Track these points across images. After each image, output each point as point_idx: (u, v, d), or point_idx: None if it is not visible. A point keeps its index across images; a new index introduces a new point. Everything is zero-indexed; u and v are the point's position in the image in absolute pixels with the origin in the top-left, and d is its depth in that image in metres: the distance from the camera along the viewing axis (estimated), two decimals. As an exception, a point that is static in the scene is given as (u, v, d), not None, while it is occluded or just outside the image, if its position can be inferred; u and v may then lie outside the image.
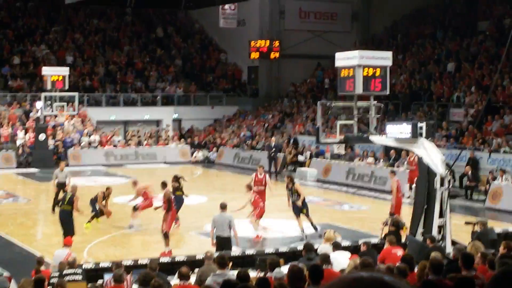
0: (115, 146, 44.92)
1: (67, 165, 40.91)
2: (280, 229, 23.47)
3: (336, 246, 15.64)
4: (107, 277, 13.68)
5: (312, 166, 37.14)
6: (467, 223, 19.63)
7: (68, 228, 19.84)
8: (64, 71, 40.52)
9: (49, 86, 39.53)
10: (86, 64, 51.98)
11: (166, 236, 19.64)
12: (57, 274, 14.07)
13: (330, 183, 34.68)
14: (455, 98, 39.39)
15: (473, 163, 31.51)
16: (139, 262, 16.39)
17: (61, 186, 25.58)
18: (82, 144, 43.81)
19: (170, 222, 19.96)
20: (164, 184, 21.33)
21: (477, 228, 18.09)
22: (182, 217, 22.72)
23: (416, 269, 11.78)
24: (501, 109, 36.05)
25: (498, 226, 22.00)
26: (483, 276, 10.83)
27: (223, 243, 18.16)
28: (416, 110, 40.09)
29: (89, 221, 22.80)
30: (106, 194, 23.36)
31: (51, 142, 42.59)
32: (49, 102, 39.80)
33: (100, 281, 14.31)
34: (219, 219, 18.36)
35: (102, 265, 16.29)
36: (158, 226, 20.29)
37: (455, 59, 43.64)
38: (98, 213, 22.97)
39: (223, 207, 18.66)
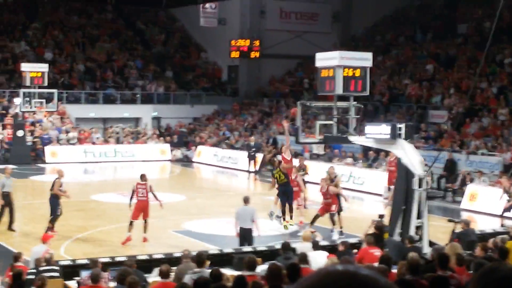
0: (93, 143, 44.72)
1: (44, 162, 40.89)
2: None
3: (315, 246, 15.66)
4: (84, 274, 13.62)
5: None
6: (450, 220, 19.70)
7: (52, 210, 21.46)
8: (43, 67, 40.25)
9: (28, 83, 39.26)
10: (66, 61, 51.73)
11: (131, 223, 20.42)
12: (34, 270, 14.00)
13: (309, 183, 34.62)
14: (435, 101, 39.52)
15: (451, 164, 31.67)
16: (116, 259, 16.35)
17: (8, 197, 22.85)
18: (60, 141, 43.59)
19: (135, 211, 20.39)
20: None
21: (459, 228, 18.14)
22: (160, 215, 22.62)
23: (395, 269, 11.82)
24: (480, 112, 36.25)
25: (474, 228, 22.12)
26: (459, 277, 10.89)
27: (245, 233, 19.17)
28: (395, 111, 40.23)
29: None
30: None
31: (29, 139, 42.35)
32: (27, 99, 39.55)
33: (77, 278, 14.26)
34: (243, 212, 19.30)
35: (79, 262, 16.23)
36: (136, 223, 20.34)
37: (435, 61, 43.80)
38: None
39: (246, 200, 19.48)
